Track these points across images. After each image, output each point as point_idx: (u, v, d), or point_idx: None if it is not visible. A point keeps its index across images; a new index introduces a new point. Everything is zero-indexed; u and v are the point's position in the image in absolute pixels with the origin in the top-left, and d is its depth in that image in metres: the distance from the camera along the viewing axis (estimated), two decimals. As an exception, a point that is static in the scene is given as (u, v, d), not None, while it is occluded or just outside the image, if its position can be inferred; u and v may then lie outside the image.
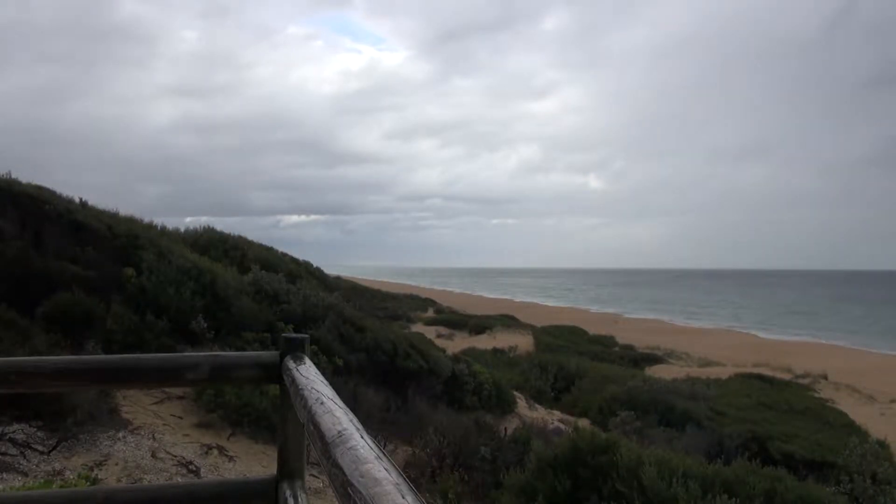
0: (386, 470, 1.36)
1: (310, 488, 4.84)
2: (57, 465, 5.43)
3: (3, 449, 5.37)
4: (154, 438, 6.56)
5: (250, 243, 17.71)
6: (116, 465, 5.74)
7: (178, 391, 7.93)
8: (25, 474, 5.11)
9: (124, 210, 13.84)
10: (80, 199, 12.62)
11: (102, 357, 3.67)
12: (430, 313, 45.42)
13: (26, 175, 12.16)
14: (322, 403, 1.96)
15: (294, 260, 20.59)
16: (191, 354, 3.00)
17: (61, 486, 4.64)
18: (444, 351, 16.15)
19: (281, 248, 20.71)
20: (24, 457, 5.40)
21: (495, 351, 26.68)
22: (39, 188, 12.01)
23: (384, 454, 1.47)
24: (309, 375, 2.37)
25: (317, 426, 1.81)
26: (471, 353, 22.51)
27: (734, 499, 5.36)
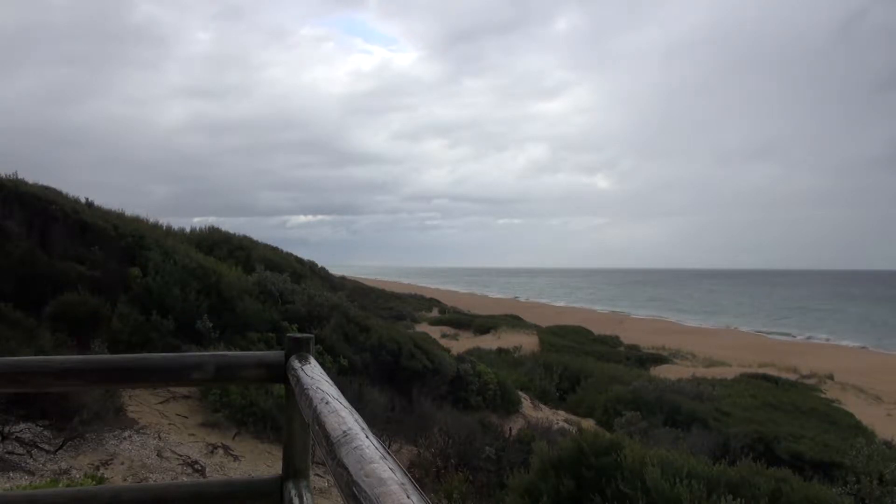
0: (391, 469, 1.36)
1: (315, 488, 4.85)
2: (63, 465, 5.45)
3: (10, 448, 5.40)
4: (160, 438, 6.58)
5: (255, 243, 17.75)
6: (122, 464, 5.76)
7: (183, 391, 7.96)
8: (32, 473, 5.13)
9: (134, 210, 13.94)
10: (87, 199, 12.68)
11: (108, 357, 3.68)
12: (435, 313, 45.40)
13: (43, 176, 12.28)
14: (327, 403, 1.97)
15: (299, 260, 20.64)
16: (196, 354, 3.00)
17: (68, 485, 4.66)
18: (448, 351, 16.15)
19: (287, 248, 20.80)
20: (31, 456, 5.43)
21: (500, 351, 26.65)
22: (45, 188, 12.06)
23: (389, 454, 1.47)
24: (314, 375, 2.38)
25: (322, 426, 1.82)
26: (475, 353, 22.50)
27: (739, 499, 5.34)
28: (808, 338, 50.90)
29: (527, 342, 30.84)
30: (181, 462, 6.13)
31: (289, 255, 20.03)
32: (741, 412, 17.24)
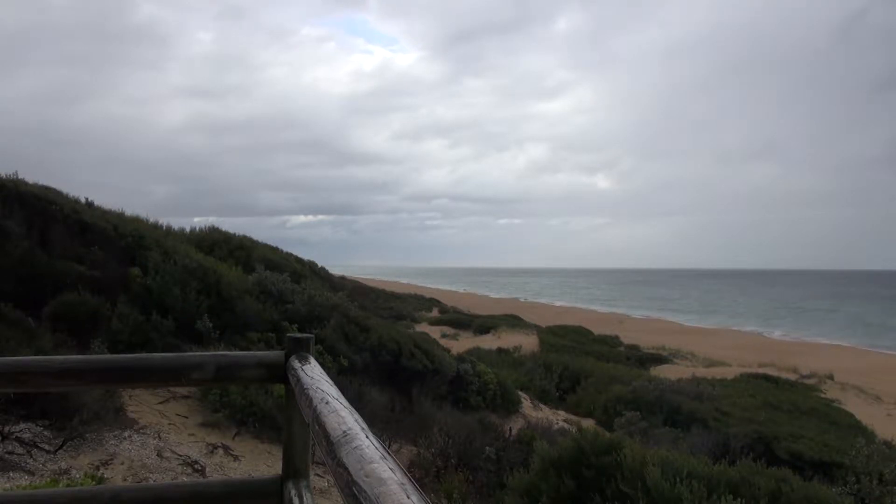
0: (391, 469, 1.36)
1: (315, 488, 4.85)
2: (63, 465, 5.45)
3: (10, 448, 5.39)
4: (160, 438, 6.58)
5: (255, 243, 17.75)
6: (122, 464, 5.76)
7: (183, 391, 7.95)
8: (32, 473, 5.13)
9: (134, 210, 13.95)
10: (87, 199, 12.68)
11: (108, 357, 3.67)
12: (435, 313, 45.41)
13: (43, 176, 12.29)
14: (327, 403, 1.97)
15: (299, 260, 20.64)
16: (196, 354, 3.00)
17: (67, 485, 4.66)
18: (448, 351, 16.15)
19: (287, 248, 20.81)
20: (31, 456, 5.43)
21: (500, 351, 26.65)
22: (46, 188, 12.06)
23: (389, 454, 1.47)
24: (314, 375, 2.38)
25: (322, 426, 1.82)
26: (475, 353, 22.49)
27: (739, 499, 5.34)
28: (808, 338, 50.88)
29: (527, 342, 30.83)
30: (181, 462, 6.13)
31: (289, 255, 20.03)
32: (741, 412, 17.23)
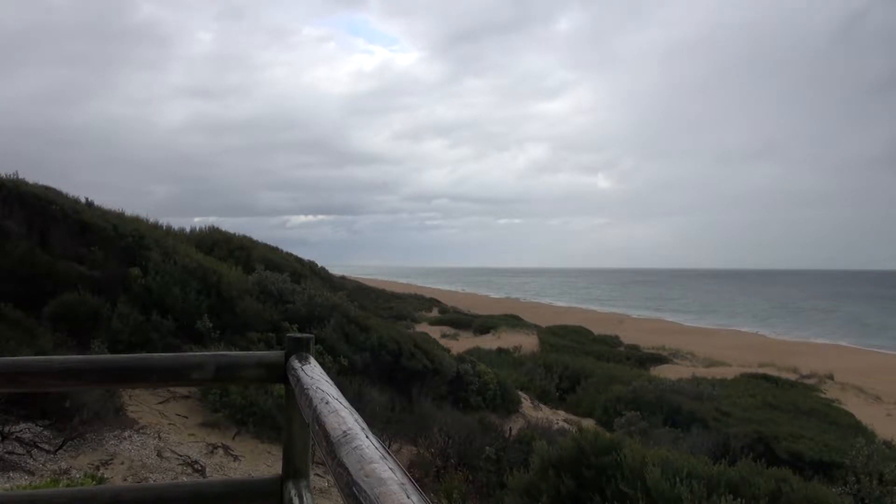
0: (391, 469, 1.36)
1: (315, 488, 4.85)
2: (63, 465, 5.45)
3: (10, 448, 5.39)
4: (160, 438, 6.58)
5: (255, 243, 17.75)
6: (122, 464, 5.76)
7: (183, 391, 7.96)
8: (32, 473, 5.13)
9: (134, 210, 13.94)
10: (87, 199, 12.68)
11: (108, 357, 3.67)
12: (435, 313, 45.41)
13: (43, 176, 12.30)
14: (327, 403, 1.97)
15: (299, 260, 20.64)
16: (196, 354, 3.00)
17: (68, 485, 4.66)
18: (448, 351, 16.15)
19: (287, 248, 20.81)
20: (31, 456, 5.43)
21: (500, 351, 26.65)
22: (46, 188, 12.06)
23: (389, 454, 1.47)
24: (314, 375, 2.38)
25: (322, 426, 1.82)
26: (475, 353, 22.49)
27: (739, 499, 5.34)
28: (808, 338, 50.87)
29: (527, 342, 30.83)
30: (181, 462, 6.14)
31: (289, 255, 20.04)
32: (741, 412, 17.23)
